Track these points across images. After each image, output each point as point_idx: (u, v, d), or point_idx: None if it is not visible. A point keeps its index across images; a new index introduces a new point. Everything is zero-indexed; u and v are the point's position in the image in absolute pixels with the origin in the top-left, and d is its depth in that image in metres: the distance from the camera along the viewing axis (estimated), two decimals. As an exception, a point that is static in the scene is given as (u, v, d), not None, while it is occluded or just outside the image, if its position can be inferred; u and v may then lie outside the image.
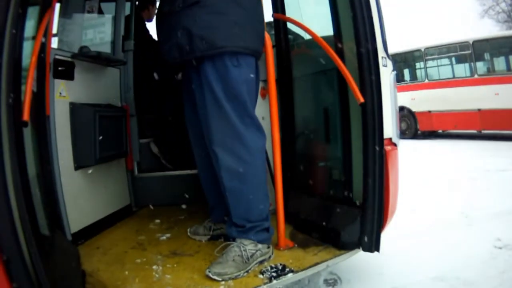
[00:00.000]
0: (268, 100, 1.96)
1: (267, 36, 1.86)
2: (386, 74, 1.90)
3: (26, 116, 1.21)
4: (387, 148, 1.87)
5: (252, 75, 1.75)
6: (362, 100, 1.77)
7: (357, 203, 1.91)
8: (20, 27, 1.25)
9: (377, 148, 1.79)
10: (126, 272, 1.74)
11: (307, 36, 2.28)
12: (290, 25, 2.44)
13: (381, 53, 1.84)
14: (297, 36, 2.52)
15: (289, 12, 2.40)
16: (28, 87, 1.30)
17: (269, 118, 1.96)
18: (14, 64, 1.18)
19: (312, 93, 2.35)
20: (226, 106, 1.67)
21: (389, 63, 1.96)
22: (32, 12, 1.45)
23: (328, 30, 2.10)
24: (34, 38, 1.51)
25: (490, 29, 17.29)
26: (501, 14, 18.88)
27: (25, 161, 1.29)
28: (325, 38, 1.98)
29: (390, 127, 1.91)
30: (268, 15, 1.93)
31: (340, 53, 1.98)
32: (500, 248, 2.48)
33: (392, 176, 1.89)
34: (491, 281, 2.02)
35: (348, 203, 1.98)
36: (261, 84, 1.86)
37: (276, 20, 2.45)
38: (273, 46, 2.12)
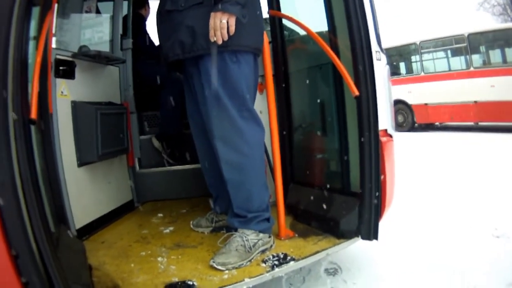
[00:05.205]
0: (266, 95, 2.01)
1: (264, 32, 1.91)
2: (380, 67, 1.94)
3: (33, 114, 1.25)
4: (383, 139, 1.91)
5: (250, 71, 1.79)
6: (357, 93, 1.82)
7: (355, 192, 1.95)
8: (26, 29, 1.28)
9: (373, 139, 1.84)
10: (132, 265, 1.77)
11: (302, 32, 2.32)
12: (285, 21, 2.47)
13: (374, 47, 1.88)
14: (292, 32, 2.56)
15: (284, 9, 2.44)
16: (35, 87, 1.34)
17: (267, 112, 2.01)
18: (21, 65, 1.22)
19: (308, 87, 2.38)
20: (225, 101, 1.70)
21: (383, 57, 2.00)
22: (34, 13, 1.48)
23: (323, 26, 2.14)
24: (35, 38, 1.54)
25: (485, 22, 17.28)
26: (497, 7, 18.85)
27: (34, 158, 1.32)
28: (320, 33, 2.03)
29: (385, 118, 1.95)
30: (264, 12, 1.97)
31: (335, 48, 2.03)
32: (498, 237, 2.51)
33: (388, 166, 1.93)
34: (487, 269, 2.04)
35: (346, 193, 2.03)
36: (258, 79, 1.91)
37: (271, 16, 2.49)
38: (269, 42, 2.16)
